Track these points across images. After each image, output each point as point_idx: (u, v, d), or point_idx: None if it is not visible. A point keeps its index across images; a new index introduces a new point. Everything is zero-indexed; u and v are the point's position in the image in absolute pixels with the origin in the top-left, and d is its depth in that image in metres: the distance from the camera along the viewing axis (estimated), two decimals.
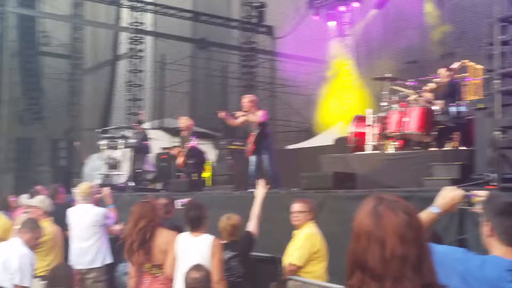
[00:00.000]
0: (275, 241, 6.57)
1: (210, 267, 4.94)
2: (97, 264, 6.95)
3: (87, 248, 6.93)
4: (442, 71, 9.44)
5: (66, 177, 14.75)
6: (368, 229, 1.85)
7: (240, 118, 10.00)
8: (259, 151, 9.91)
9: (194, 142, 11.92)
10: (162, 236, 5.40)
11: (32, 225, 5.72)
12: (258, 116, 9.91)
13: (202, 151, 12.22)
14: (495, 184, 5.74)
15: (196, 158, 11.80)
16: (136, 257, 5.40)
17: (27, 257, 5.38)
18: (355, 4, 17.40)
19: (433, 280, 1.85)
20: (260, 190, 5.80)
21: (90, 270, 6.89)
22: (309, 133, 18.85)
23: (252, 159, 10.01)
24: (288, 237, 5.97)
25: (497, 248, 2.83)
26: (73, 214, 7.18)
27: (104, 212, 7.13)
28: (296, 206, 5.84)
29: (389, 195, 1.96)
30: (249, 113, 9.97)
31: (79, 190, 7.40)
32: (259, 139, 9.85)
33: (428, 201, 3.16)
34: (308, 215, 5.80)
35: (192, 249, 5.12)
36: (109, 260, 7.05)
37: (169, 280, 5.23)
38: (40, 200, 7.17)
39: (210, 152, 14.77)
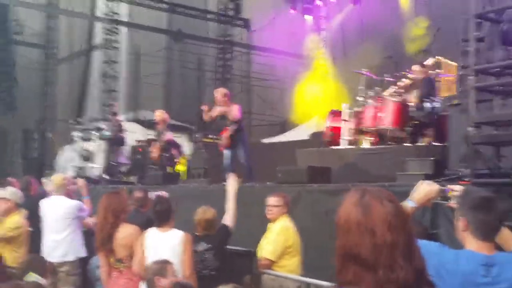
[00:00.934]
0: (249, 234, 6.57)
1: (181, 262, 4.92)
2: (70, 257, 6.85)
3: (60, 241, 6.83)
4: (417, 67, 9.52)
5: (38, 169, 14.54)
6: (357, 220, 1.85)
7: (216, 110, 9.93)
8: (234, 144, 9.89)
9: (169, 135, 11.86)
10: (125, 230, 5.37)
11: None
12: (235, 111, 9.87)
13: (178, 144, 12.16)
14: (468, 179, 5.81)
15: (172, 151, 11.75)
16: (100, 250, 5.47)
17: None
18: None
19: (423, 267, 1.87)
20: (232, 183, 5.79)
21: (63, 263, 6.78)
22: (285, 127, 18.89)
23: (227, 152, 9.98)
24: (262, 231, 5.98)
25: (471, 243, 2.86)
26: (46, 206, 7.07)
27: (77, 205, 7.03)
28: (271, 200, 5.85)
29: (370, 187, 1.97)
30: (222, 106, 9.92)
31: (52, 182, 7.30)
32: (234, 133, 9.82)
33: (401, 195, 3.16)
34: (283, 209, 5.82)
35: (162, 245, 5.09)
36: (82, 253, 6.97)
37: (136, 276, 5.20)
38: (12, 192, 7.03)
39: (185, 145, 14.71)
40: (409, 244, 1.85)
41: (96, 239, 5.51)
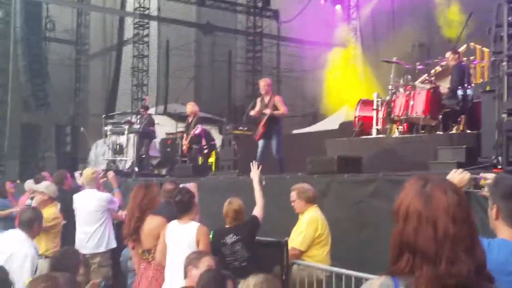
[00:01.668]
0: (281, 225, 6.55)
1: None
2: (102, 249, 6.96)
3: (91, 233, 6.94)
4: (449, 54, 9.35)
5: (71, 163, 14.74)
6: (418, 210, 1.79)
7: (267, 111, 9.81)
8: (269, 135, 9.87)
9: (200, 128, 11.90)
10: (152, 221, 5.41)
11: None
12: (282, 107, 9.87)
13: (211, 137, 12.24)
14: (501, 167, 5.68)
15: (205, 143, 11.83)
16: (128, 241, 5.56)
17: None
18: None
19: (484, 263, 1.81)
20: (254, 172, 5.79)
21: (95, 255, 6.89)
22: (316, 117, 18.79)
23: (261, 143, 9.96)
24: (293, 222, 5.96)
25: (503, 231, 2.78)
26: (77, 200, 7.19)
27: (108, 197, 7.13)
28: (290, 196, 5.89)
29: (433, 175, 1.90)
30: (265, 96, 9.94)
31: (83, 176, 7.41)
32: (270, 124, 9.82)
33: None
34: (300, 202, 5.83)
35: (180, 237, 5.12)
36: (113, 245, 7.06)
37: (162, 267, 5.25)
38: (46, 186, 7.16)
39: (215, 137, 14.76)
40: (472, 237, 1.79)
41: (124, 230, 5.58)
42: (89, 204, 7.03)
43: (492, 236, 2.86)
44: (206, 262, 4.46)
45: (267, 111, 9.73)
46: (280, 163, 9.77)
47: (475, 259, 1.76)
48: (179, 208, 5.25)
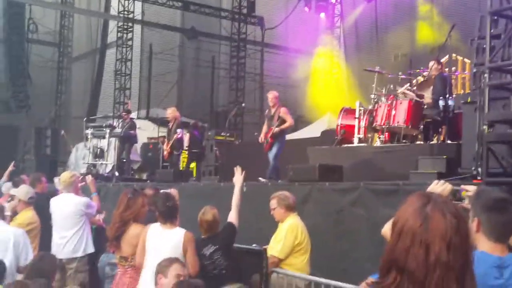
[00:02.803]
0: (261, 233, 6.53)
1: (186, 261, 4.88)
2: (79, 254, 6.82)
3: (68, 238, 6.82)
4: (432, 64, 9.41)
5: (51, 166, 14.57)
6: (414, 230, 1.70)
7: (276, 131, 10.04)
8: (273, 145, 10.09)
9: (181, 133, 11.85)
10: (135, 229, 5.34)
11: None
12: (289, 119, 10.15)
13: (200, 141, 12.26)
14: (481, 178, 5.71)
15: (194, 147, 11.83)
16: (109, 246, 5.50)
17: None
18: None
19: None
20: (238, 177, 5.75)
21: (72, 260, 6.77)
22: (298, 124, 18.79)
23: (270, 154, 10.14)
24: (273, 229, 5.93)
25: (484, 244, 2.78)
26: (54, 204, 7.07)
27: (86, 202, 7.01)
28: (270, 203, 5.86)
29: (436, 194, 1.83)
30: (272, 108, 10.28)
31: (60, 180, 7.29)
32: (277, 134, 10.04)
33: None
34: (280, 210, 5.80)
35: (163, 242, 5.06)
36: (91, 250, 6.94)
37: (138, 273, 5.19)
38: (19, 190, 7.04)
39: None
40: (465, 266, 1.70)
41: (107, 233, 5.50)
42: (66, 208, 6.89)
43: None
44: (174, 272, 4.39)
45: (276, 129, 9.99)
46: (275, 171, 9.87)
47: None
48: (164, 215, 5.19)
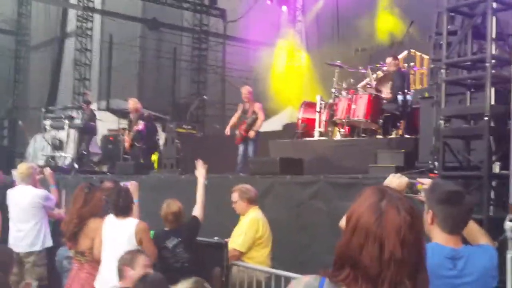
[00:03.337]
0: (222, 226, 6.54)
1: (145, 250, 4.89)
2: (37, 247, 6.72)
3: (26, 231, 6.70)
4: (390, 60, 9.56)
5: (8, 157, 14.27)
6: (368, 225, 1.69)
7: (251, 131, 10.31)
8: (247, 139, 10.32)
9: (141, 125, 11.75)
10: (94, 223, 5.31)
11: None
12: (261, 114, 10.42)
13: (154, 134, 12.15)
14: (437, 172, 5.84)
15: (146, 140, 11.70)
16: (65, 242, 5.48)
17: None
18: None
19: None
20: (200, 170, 5.76)
21: (29, 253, 6.67)
22: None
23: (240, 147, 10.40)
24: (234, 222, 5.95)
25: (437, 236, 2.86)
26: (12, 196, 6.94)
27: (43, 194, 6.89)
28: (231, 196, 5.89)
29: (391, 189, 1.81)
30: (246, 103, 10.57)
31: (17, 171, 7.15)
32: (250, 129, 10.25)
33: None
34: (242, 203, 5.82)
35: (118, 233, 5.08)
36: (49, 243, 6.84)
37: (95, 268, 5.17)
38: None
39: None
40: (418, 262, 1.71)
41: (63, 228, 5.45)
42: (24, 200, 6.76)
43: (428, 241, 2.94)
44: (142, 262, 4.40)
45: (251, 134, 10.28)
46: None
47: (417, 285, 1.70)
48: (117, 210, 5.19)
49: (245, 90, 10.75)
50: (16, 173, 7.36)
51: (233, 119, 10.71)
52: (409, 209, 1.73)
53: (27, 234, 6.70)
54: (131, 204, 5.29)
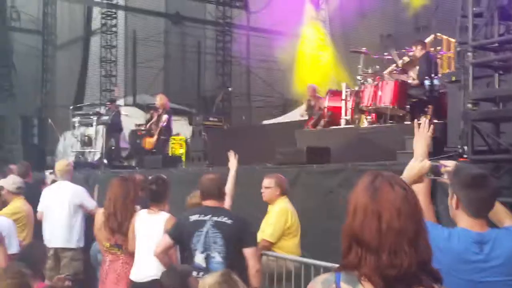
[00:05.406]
0: (250, 216, 6.55)
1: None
2: (73, 242, 6.83)
3: (63, 227, 6.81)
4: (416, 45, 9.45)
5: (38, 155, 14.51)
6: (365, 203, 1.84)
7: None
8: None
9: (166, 119, 11.86)
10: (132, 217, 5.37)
11: None
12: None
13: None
14: (466, 156, 5.77)
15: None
16: (101, 234, 5.47)
17: None
18: None
19: (428, 258, 1.84)
20: (233, 161, 5.79)
21: (66, 249, 6.78)
22: (286, 108, 18.82)
23: None
24: (263, 213, 5.97)
25: (463, 220, 2.84)
26: (49, 192, 7.05)
27: (83, 191, 7.00)
28: (264, 182, 5.88)
29: (386, 172, 1.94)
30: (312, 100, 11.67)
31: (56, 168, 7.26)
32: (317, 123, 10.72)
33: (402, 174, 3.14)
34: (275, 190, 5.80)
35: (149, 228, 5.11)
36: (85, 238, 6.95)
37: (130, 259, 5.23)
38: (6, 180, 7.01)
39: (185, 129, 14.69)
40: (417, 232, 1.82)
41: (105, 226, 5.44)
42: (61, 197, 6.88)
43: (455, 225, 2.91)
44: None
45: None
46: None
47: (418, 253, 1.79)
48: (152, 197, 5.21)
49: (310, 89, 11.74)
50: (55, 170, 7.46)
51: (304, 113, 11.67)
52: (403, 184, 1.88)
53: (64, 230, 6.79)
54: (167, 195, 5.29)
